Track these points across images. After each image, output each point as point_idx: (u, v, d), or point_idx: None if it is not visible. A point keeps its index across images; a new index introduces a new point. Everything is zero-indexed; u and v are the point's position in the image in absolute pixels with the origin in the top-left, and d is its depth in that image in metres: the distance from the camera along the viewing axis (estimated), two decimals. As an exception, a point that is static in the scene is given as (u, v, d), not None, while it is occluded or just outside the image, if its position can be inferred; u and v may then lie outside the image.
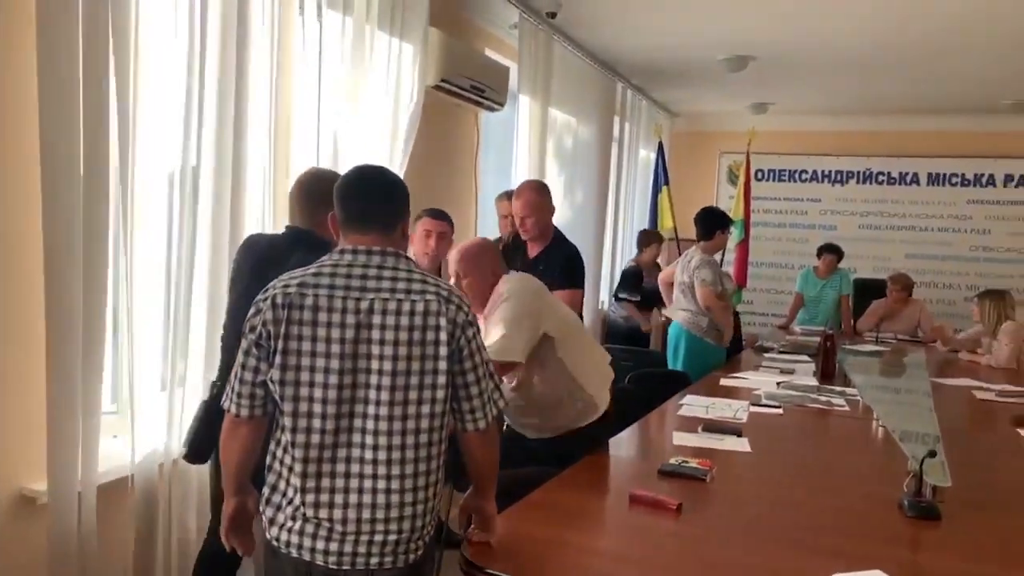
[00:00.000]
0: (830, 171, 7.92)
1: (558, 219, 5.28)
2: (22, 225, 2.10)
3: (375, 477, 1.64)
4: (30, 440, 2.16)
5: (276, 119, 2.77)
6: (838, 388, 3.91)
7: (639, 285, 5.50)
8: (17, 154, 2.07)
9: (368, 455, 1.64)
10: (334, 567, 1.63)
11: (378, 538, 1.64)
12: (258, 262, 2.23)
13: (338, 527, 1.63)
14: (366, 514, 1.64)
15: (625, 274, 5.62)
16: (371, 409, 1.64)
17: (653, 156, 7.56)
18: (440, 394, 1.68)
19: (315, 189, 2.25)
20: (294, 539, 1.65)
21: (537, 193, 3.52)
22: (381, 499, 1.64)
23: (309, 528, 1.64)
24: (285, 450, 1.66)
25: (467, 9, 4.31)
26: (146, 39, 2.31)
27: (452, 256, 2.67)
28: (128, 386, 2.38)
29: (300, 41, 2.88)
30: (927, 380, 4.23)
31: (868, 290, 6.67)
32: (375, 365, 1.64)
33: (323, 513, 1.63)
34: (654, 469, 2.46)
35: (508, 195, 3.39)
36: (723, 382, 4.02)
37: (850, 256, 7.67)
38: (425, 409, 1.67)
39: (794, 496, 2.39)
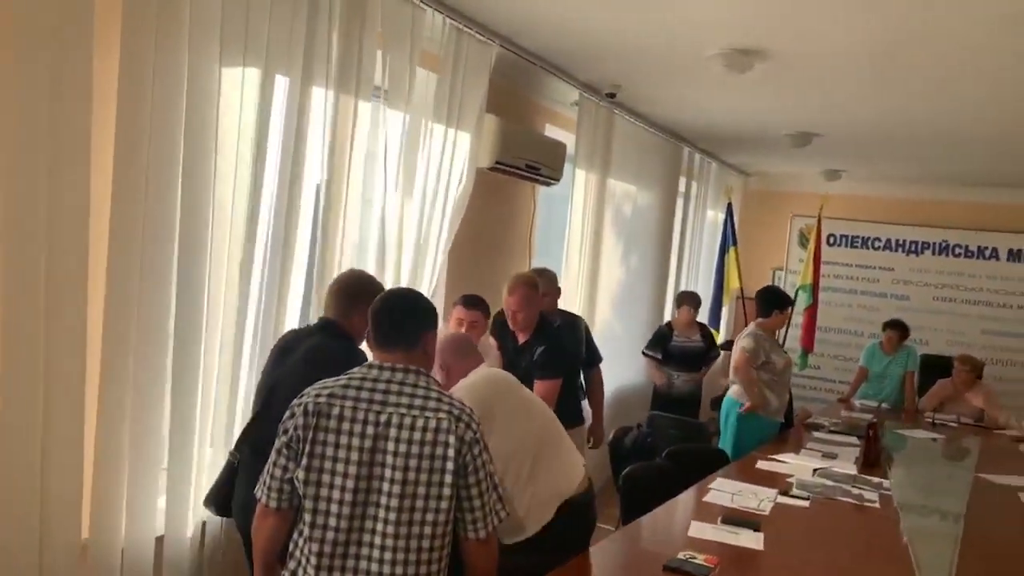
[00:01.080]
0: (904, 240, 7.78)
1: (612, 285, 5.47)
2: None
3: (380, 573, 1.84)
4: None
5: (328, 200, 3.03)
6: (876, 479, 3.89)
7: (665, 343, 5.55)
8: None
9: (376, 553, 1.85)
10: None
11: None
12: (279, 347, 2.54)
13: None
14: None
15: (656, 332, 5.71)
16: (382, 512, 1.85)
17: (722, 216, 7.61)
18: (444, 504, 1.88)
19: (350, 288, 2.50)
20: None
21: (531, 289, 3.56)
22: None
23: None
24: (305, 541, 1.89)
25: (530, 89, 4.55)
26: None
27: (439, 346, 2.80)
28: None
29: (361, 133, 3.14)
30: (969, 478, 4.15)
31: (935, 368, 6.52)
32: (388, 473, 1.85)
33: None
34: (661, 563, 2.55)
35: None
36: (760, 464, 4.05)
37: (923, 328, 7.53)
38: (430, 517, 1.87)
39: None
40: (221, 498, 2.47)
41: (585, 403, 4.36)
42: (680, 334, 5.47)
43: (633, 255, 5.87)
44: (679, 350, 5.44)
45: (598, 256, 5.14)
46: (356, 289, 2.47)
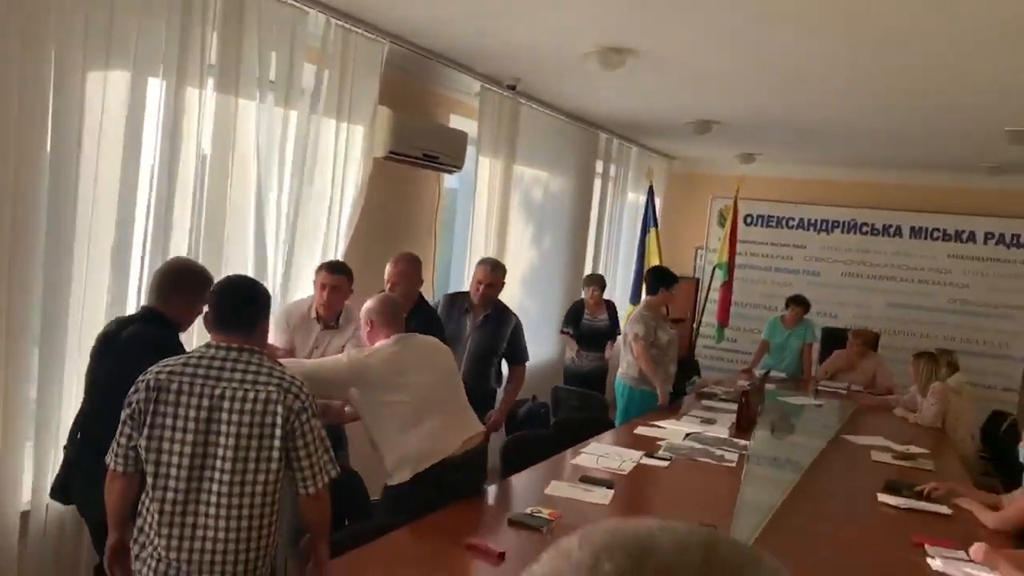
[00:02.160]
0: (816, 219, 8.18)
1: (522, 266, 5.77)
2: None
3: (216, 528, 2.14)
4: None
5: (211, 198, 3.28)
6: (743, 442, 4.25)
7: (579, 320, 5.85)
8: None
9: (212, 511, 2.14)
10: None
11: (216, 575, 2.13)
12: (101, 337, 2.64)
13: (184, 566, 2.13)
14: (207, 557, 2.13)
15: (571, 308, 5.98)
16: (217, 475, 2.14)
17: (643, 199, 7.94)
18: (274, 465, 2.17)
19: (169, 276, 2.64)
20: (152, 574, 2.15)
21: (410, 264, 3.84)
22: (220, 546, 2.14)
23: (162, 567, 2.14)
24: (150, 503, 2.16)
25: (432, 81, 4.80)
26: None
27: (366, 305, 3.13)
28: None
29: (245, 131, 3.38)
30: (830, 436, 4.56)
31: (839, 339, 6.93)
32: (223, 440, 2.14)
33: (173, 555, 2.13)
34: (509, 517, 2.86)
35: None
36: (639, 430, 4.40)
37: (832, 303, 7.96)
38: (261, 477, 2.17)
39: None
40: (62, 489, 2.66)
41: None
42: (589, 314, 5.80)
43: (546, 237, 6.18)
44: (588, 328, 5.77)
45: (505, 239, 5.44)
46: (175, 276, 2.61)
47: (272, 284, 3.62)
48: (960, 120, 5.14)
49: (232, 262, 3.37)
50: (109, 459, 2.20)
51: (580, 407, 5.23)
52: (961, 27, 3.23)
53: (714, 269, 7.89)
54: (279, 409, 2.15)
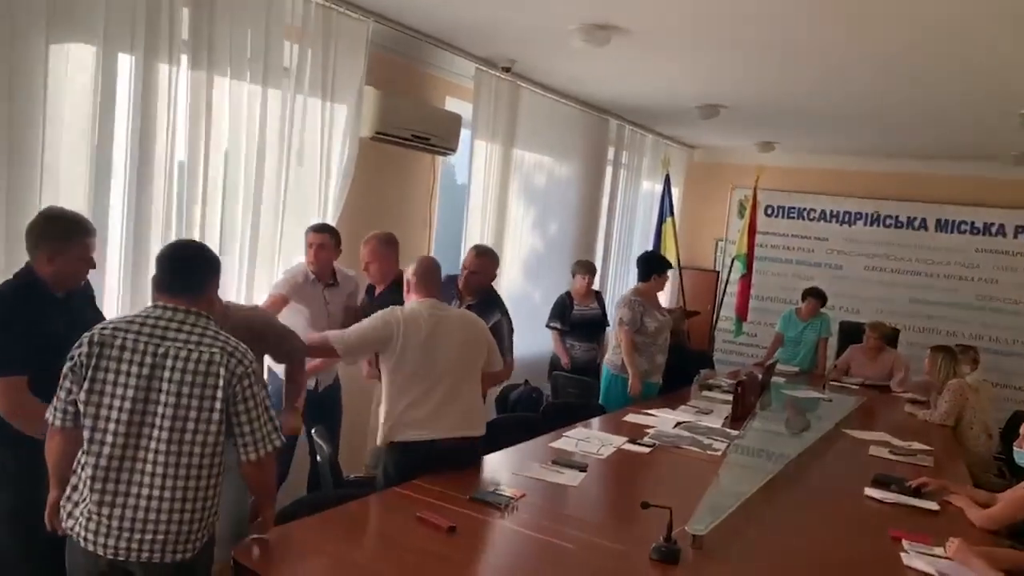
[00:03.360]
0: (839, 211, 7.96)
1: (524, 253, 5.71)
2: None
3: (151, 487, 2.11)
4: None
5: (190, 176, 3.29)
6: (736, 432, 4.14)
7: (566, 313, 5.53)
8: None
9: (148, 469, 2.11)
10: (111, 557, 2.10)
11: (148, 536, 2.10)
12: None
13: (115, 523, 2.10)
14: (140, 515, 2.10)
15: (557, 303, 5.60)
16: (155, 433, 2.11)
17: (659, 188, 7.82)
18: (214, 427, 2.14)
19: (31, 230, 2.50)
20: (83, 532, 2.12)
21: (383, 244, 3.89)
22: (155, 505, 2.10)
23: (92, 525, 2.11)
24: (85, 457, 2.16)
25: (426, 63, 4.77)
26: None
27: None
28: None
29: (220, 109, 3.39)
30: (825, 429, 4.41)
31: (855, 334, 6.73)
32: (163, 398, 2.11)
33: (105, 511, 2.10)
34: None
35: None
36: (629, 417, 4.32)
37: (855, 297, 7.76)
38: (199, 438, 2.13)
39: (565, 533, 2.64)
40: None
41: None
42: (579, 303, 5.60)
43: (551, 224, 6.10)
44: (579, 318, 5.54)
45: (503, 225, 5.38)
46: (37, 231, 2.48)
47: (269, 255, 3.80)
48: (974, 103, 4.93)
49: (210, 240, 3.39)
50: (49, 415, 2.17)
51: (580, 394, 5.15)
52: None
53: (733, 261, 7.73)
54: (221, 371, 2.13)
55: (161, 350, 2.12)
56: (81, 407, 2.12)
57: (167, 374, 2.11)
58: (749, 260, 7.54)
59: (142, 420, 2.11)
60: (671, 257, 7.92)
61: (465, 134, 4.88)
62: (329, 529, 2.52)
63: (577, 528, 2.70)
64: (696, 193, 8.66)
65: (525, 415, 4.32)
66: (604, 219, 7.04)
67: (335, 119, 3.95)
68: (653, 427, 4.14)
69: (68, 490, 2.19)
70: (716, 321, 8.21)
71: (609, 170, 6.97)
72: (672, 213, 7.80)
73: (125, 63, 2.97)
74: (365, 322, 3.10)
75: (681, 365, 5.51)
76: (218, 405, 2.13)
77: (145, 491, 2.10)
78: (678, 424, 4.25)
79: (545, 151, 5.83)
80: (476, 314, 4.15)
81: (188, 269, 2.25)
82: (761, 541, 2.82)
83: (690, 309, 7.87)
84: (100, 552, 2.10)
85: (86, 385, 2.10)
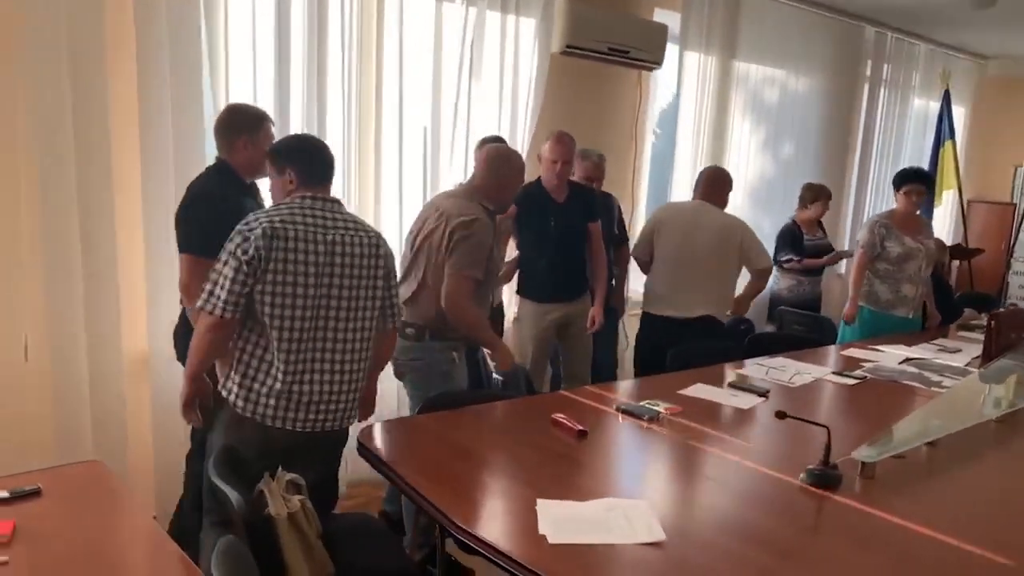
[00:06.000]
0: None
1: (751, 178, 5.25)
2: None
3: (333, 361, 2.28)
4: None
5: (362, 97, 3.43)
6: (975, 371, 3.47)
7: (800, 244, 4.88)
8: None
9: (329, 345, 2.27)
10: (300, 430, 2.25)
11: (332, 407, 2.29)
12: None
13: (304, 399, 2.23)
14: (327, 388, 2.27)
15: (785, 234, 4.96)
16: (333, 312, 2.27)
17: (936, 106, 6.74)
18: (377, 303, 2.37)
19: (222, 123, 2.65)
20: (269, 412, 2.21)
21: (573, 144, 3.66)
22: (337, 377, 2.29)
23: (283, 403, 2.22)
24: (267, 345, 2.21)
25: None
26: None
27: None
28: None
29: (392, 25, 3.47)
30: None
31: None
32: (338, 281, 2.26)
33: (296, 388, 2.22)
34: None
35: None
36: (849, 351, 3.81)
37: None
38: (368, 314, 2.35)
39: (708, 452, 2.40)
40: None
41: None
42: (808, 233, 4.98)
43: (785, 146, 5.52)
44: (813, 249, 4.93)
45: (722, 147, 4.97)
46: (228, 123, 2.61)
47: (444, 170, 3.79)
48: None
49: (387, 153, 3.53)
50: (213, 306, 2.16)
51: (806, 330, 4.65)
52: None
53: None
54: (381, 251, 2.35)
55: (329, 237, 2.25)
56: (262, 298, 2.17)
57: (339, 259, 2.26)
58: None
59: (326, 304, 2.25)
60: (950, 185, 6.85)
61: (673, 50, 4.55)
62: (464, 423, 2.52)
63: (728, 449, 2.43)
64: (989, 112, 7.33)
65: (723, 345, 3.95)
66: (860, 142, 6.22)
67: (520, 32, 3.88)
68: (874, 361, 3.60)
69: (237, 378, 2.24)
70: (1010, 262, 6.95)
71: (866, 87, 6.13)
72: (953, 135, 6.73)
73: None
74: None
75: (943, 303, 4.74)
76: (380, 283, 2.35)
77: (327, 366, 2.28)
78: (905, 360, 3.66)
79: (777, 63, 5.27)
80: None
81: (328, 162, 2.38)
82: (961, 479, 2.33)
83: (973, 246, 6.75)
84: (290, 427, 2.25)
85: (269, 276, 2.16)
